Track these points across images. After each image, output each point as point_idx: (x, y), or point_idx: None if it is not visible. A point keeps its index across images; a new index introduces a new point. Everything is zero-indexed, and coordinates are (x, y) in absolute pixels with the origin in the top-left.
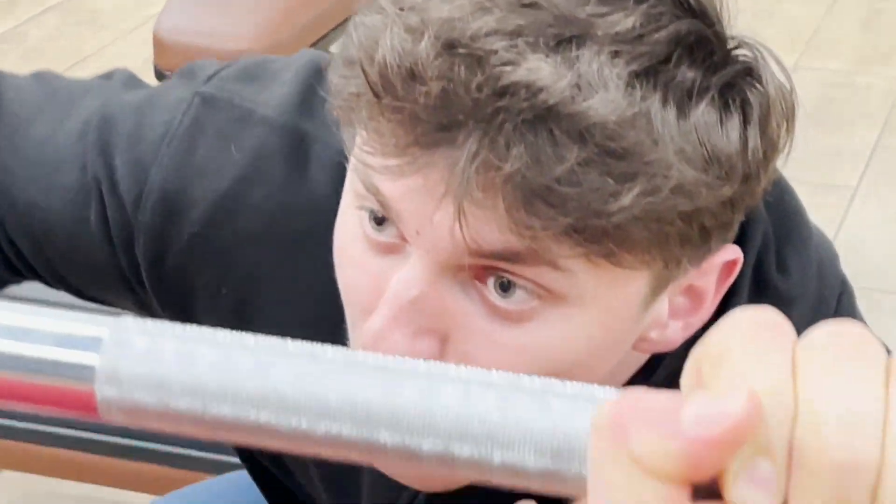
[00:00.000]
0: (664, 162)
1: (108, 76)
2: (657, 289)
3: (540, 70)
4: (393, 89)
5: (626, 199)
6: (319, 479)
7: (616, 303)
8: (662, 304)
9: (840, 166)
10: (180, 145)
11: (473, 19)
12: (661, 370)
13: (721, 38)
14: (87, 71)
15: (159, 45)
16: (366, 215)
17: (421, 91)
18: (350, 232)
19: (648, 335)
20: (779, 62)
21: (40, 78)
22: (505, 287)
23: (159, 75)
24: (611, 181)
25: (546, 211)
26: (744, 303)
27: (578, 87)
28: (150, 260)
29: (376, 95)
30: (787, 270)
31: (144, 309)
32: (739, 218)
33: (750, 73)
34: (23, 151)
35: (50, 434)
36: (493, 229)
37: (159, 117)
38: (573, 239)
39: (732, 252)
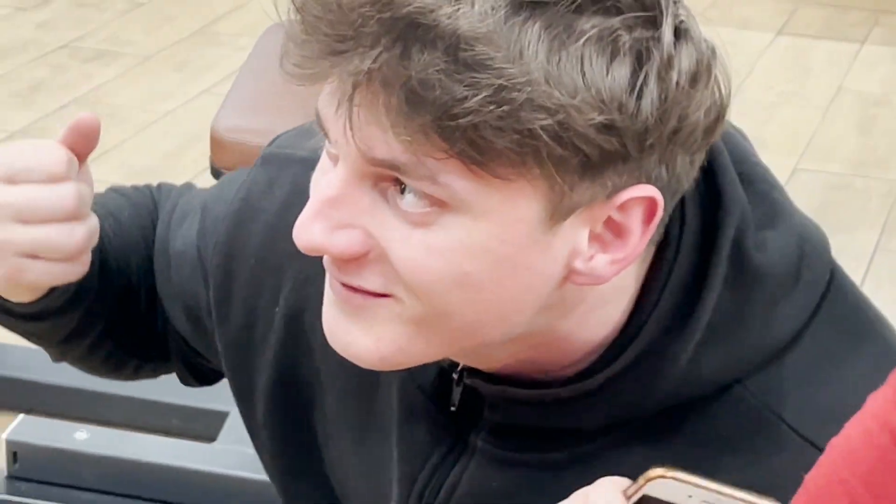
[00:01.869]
0: (520, 78)
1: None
2: (556, 214)
3: None
4: (307, 10)
5: (473, 103)
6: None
7: (509, 218)
8: (577, 235)
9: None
10: (240, 198)
11: None
12: (630, 350)
13: None
14: (108, 164)
15: (217, 144)
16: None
17: (325, 10)
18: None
19: (574, 265)
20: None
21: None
22: (403, 193)
23: (215, 173)
24: (461, 87)
25: (408, 111)
26: (722, 273)
27: (460, 10)
28: (218, 300)
29: (298, 12)
30: (764, 248)
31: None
32: (641, 156)
33: (654, 23)
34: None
35: None
36: (379, 138)
37: (233, 185)
38: (436, 142)
39: (646, 191)
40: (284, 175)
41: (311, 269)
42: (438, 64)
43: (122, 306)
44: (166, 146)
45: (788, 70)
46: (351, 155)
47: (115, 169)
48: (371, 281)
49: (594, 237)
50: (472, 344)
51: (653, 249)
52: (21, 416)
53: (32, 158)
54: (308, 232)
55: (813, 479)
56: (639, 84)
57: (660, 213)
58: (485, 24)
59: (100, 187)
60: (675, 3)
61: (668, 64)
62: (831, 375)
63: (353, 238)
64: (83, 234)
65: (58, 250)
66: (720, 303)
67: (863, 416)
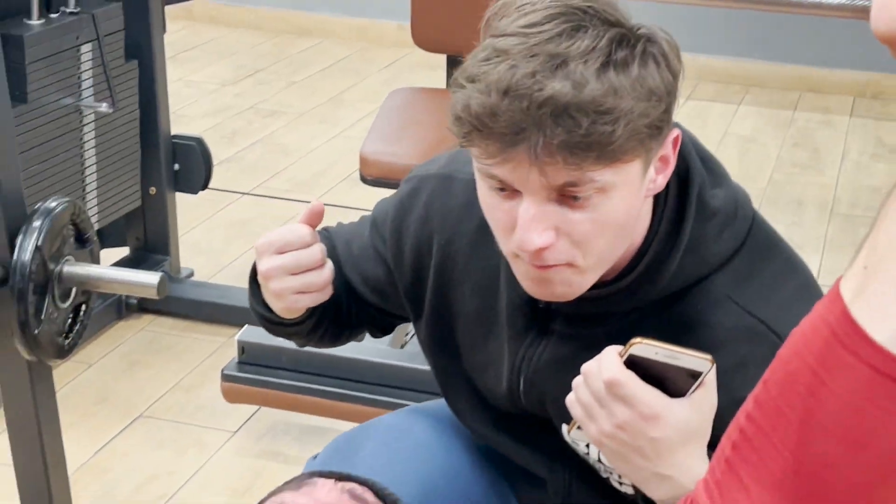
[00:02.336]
0: (627, 106)
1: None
2: (645, 166)
3: (552, 87)
4: (484, 125)
5: (618, 133)
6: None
7: (631, 182)
8: (650, 171)
9: None
10: (396, 205)
11: (511, 74)
12: (642, 263)
13: (631, 29)
14: (281, 179)
15: (364, 161)
16: (494, 184)
17: (499, 121)
18: (487, 197)
19: (649, 186)
20: (667, 36)
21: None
22: (572, 189)
23: (363, 179)
24: (608, 127)
25: (580, 154)
26: (693, 213)
27: (573, 86)
28: (396, 263)
29: (478, 129)
30: (715, 198)
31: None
32: (673, 108)
33: (650, 40)
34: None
35: (293, 385)
36: (558, 171)
37: (389, 202)
38: (599, 163)
39: (675, 130)
40: (424, 185)
41: (449, 235)
42: (584, 121)
43: (336, 307)
44: (316, 168)
45: (694, 121)
46: (535, 186)
47: (286, 181)
48: (556, 258)
49: (657, 169)
50: (608, 268)
51: (652, 199)
52: (246, 325)
53: (289, 235)
54: (531, 243)
55: (782, 352)
56: (666, 75)
57: (680, 139)
58: (591, 87)
59: (280, 193)
60: (631, 22)
61: (666, 56)
62: (755, 274)
63: (550, 235)
64: (328, 274)
65: (315, 287)
66: (692, 231)
67: (812, 314)
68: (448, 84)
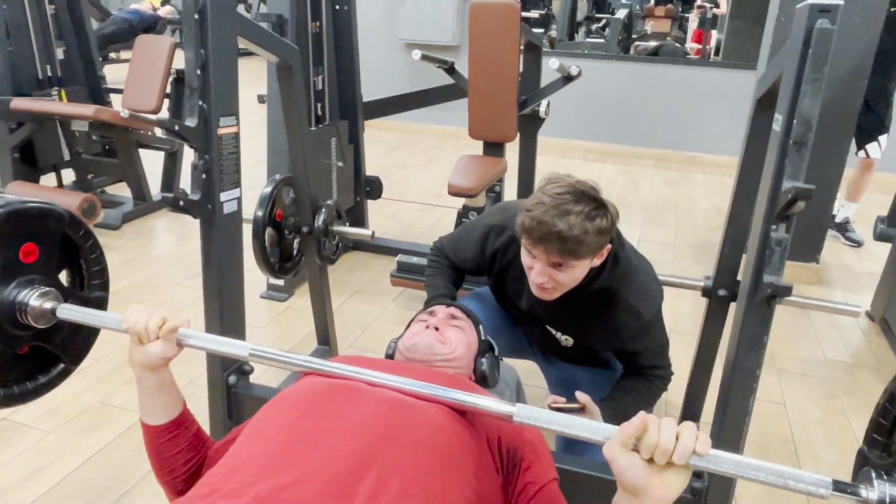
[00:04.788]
0: (590, 240)
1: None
2: (591, 259)
3: (559, 225)
4: (531, 233)
5: (583, 251)
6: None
7: (583, 264)
8: (595, 260)
9: None
10: (482, 235)
11: (542, 214)
12: (598, 279)
13: (600, 200)
14: (405, 192)
15: (451, 187)
16: (527, 252)
17: (535, 233)
18: (525, 254)
19: (594, 263)
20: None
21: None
22: (558, 265)
23: (449, 193)
24: (579, 248)
25: (564, 255)
26: (610, 261)
27: (568, 228)
28: (500, 264)
29: (526, 233)
30: (623, 254)
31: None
32: (608, 239)
33: (606, 207)
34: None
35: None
36: (553, 258)
37: (477, 225)
38: (571, 259)
39: (606, 248)
40: (493, 231)
41: (508, 258)
42: (569, 244)
43: (459, 278)
44: (426, 189)
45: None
46: (542, 259)
47: (408, 193)
48: (546, 286)
49: (598, 257)
50: (569, 289)
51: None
52: (400, 254)
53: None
54: (541, 291)
55: None
56: (610, 224)
57: (609, 251)
58: (576, 230)
59: (411, 199)
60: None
61: (612, 216)
62: (631, 283)
63: (550, 283)
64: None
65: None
66: (611, 266)
67: None
68: (483, 152)
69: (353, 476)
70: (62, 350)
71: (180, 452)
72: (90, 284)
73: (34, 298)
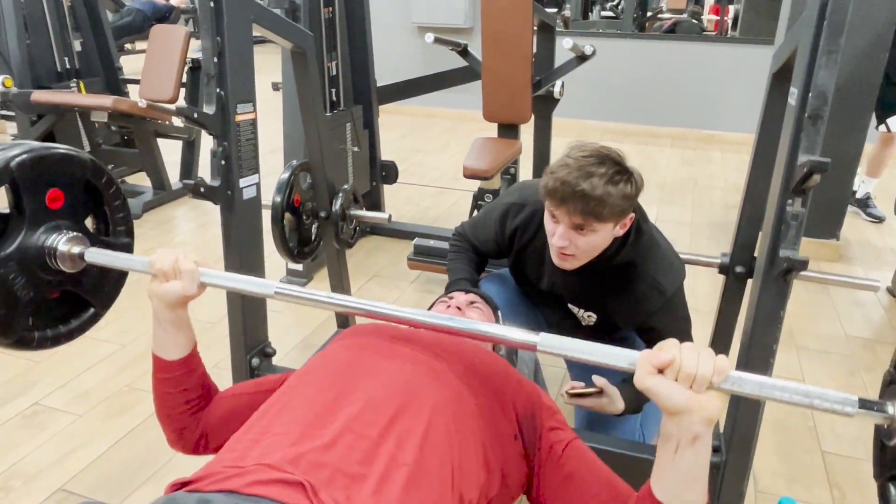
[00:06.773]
0: (613, 201)
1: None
2: (615, 226)
3: (583, 185)
4: (554, 194)
5: (605, 213)
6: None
7: (605, 229)
8: (617, 228)
9: None
10: (500, 214)
11: (566, 174)
12: (621, 252)
13: (625, 167)
14: (422, 176)
15: (466, 169)
16: (550, 214)
17: (558, 194)
18: (548, 218)
19: (616, 233)
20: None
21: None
22: (580, 228)
23: (465, 175)
24: (601, 209)
25: (586, 215)
26: (633, 233)
27: (591, 188)
28: (519, 243)
29: (550, 195)
30: (647, 226)
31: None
32: (633, 206)
33: (631, 173)
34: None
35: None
36: (576, 219)
37: (497, 207)
38: (593, 220)
39: (630, 217)
40: (512, 209)
41: (528, 236)
42: (591, 204)
43: (481, 265)
44: (443, 172)
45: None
46: (565, 221)
47: (429, 179)
48: (569, 251)
49: (621, 226)
50: (590, 259)
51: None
52: (416, 238)
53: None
54: (562, 259)
55: None
56: (634, 190)
57: (632, 221)
58: (599, 190)
59: (427, 182)
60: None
61: (637, 183)
62: (654, 257)
63: (570, 248)
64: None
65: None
66: (634, 239)
67: None
68: (498, 134)
69: (375, 442)
70: (92, 295)
71: (184, 391)
72: (115, 231)
73: (62, 243)
